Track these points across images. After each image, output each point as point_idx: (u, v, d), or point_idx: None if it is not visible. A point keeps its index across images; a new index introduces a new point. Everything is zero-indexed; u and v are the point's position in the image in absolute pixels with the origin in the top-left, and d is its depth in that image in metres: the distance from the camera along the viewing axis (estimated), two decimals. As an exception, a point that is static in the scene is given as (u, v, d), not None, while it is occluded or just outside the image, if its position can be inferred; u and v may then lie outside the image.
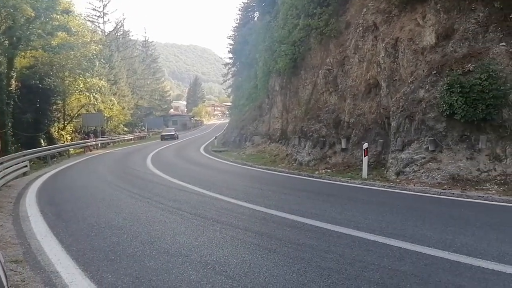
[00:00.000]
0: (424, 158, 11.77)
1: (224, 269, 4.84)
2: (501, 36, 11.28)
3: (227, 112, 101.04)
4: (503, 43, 11.09)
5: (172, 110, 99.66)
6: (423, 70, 12.86)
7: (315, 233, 6.51)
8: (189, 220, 7.61)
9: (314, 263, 5.03)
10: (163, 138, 49.32)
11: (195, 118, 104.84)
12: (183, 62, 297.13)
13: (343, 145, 16.28)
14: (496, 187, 9.87)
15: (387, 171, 12.75)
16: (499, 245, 5.56)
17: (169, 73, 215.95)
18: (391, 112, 13.53)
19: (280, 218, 7.62)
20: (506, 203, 8.63)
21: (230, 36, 60.89)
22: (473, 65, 11.25)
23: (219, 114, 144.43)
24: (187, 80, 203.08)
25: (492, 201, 8.88)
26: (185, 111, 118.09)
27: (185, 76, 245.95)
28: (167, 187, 12.41)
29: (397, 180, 11.83)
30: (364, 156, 13.22)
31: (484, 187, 9.98)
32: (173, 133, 51.98)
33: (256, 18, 49.05)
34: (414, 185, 11.01)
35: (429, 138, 11.76)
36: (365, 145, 13.42)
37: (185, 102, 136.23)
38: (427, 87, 12.34)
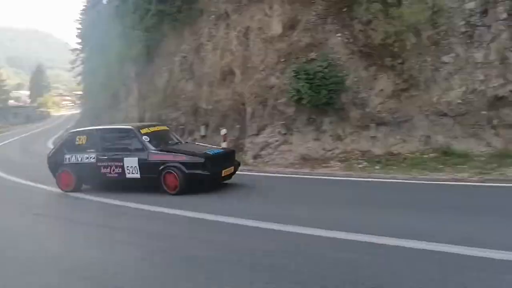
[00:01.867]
0: (277, 141, 12.53)
1: None
2: (337, 27, 12.39)
3: (78, 102, 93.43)
4: (339, 34, 12.24)
5: (12, 101, 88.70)
6: (272, 58, 13.54)
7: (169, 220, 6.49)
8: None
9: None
10: None
11: (41, 109, 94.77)
12: (22, 47, 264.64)
13: (202, 132, 16.41)
14: (339, 163, 11.05)
15: (245, 155, 13.27)
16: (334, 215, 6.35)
17: (5, 60, 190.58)
18: (246, 99, 14.04)
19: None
20: (346, 177, 9.76)
21: (78, 20, 56.11)
22: (315, 54, 12.26)
23: (69, 104, 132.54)
24: (28, 68, 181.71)
25: (335, 176, 9.96)
26: (28, 102, 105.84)
27: (25, 63, 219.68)
28: None
29: (255, 163, 12.42)
30: (223, 142, 13.54)
31: (329, 165, 11.10)
32: None
33: (104, 0, 45.91)
34: (270, 167, 11.71)
35: (281, 122, 12.55)
36: (223, 131, 13.75)
37: (28, 92, 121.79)
38: (277, 74, 13.07)
